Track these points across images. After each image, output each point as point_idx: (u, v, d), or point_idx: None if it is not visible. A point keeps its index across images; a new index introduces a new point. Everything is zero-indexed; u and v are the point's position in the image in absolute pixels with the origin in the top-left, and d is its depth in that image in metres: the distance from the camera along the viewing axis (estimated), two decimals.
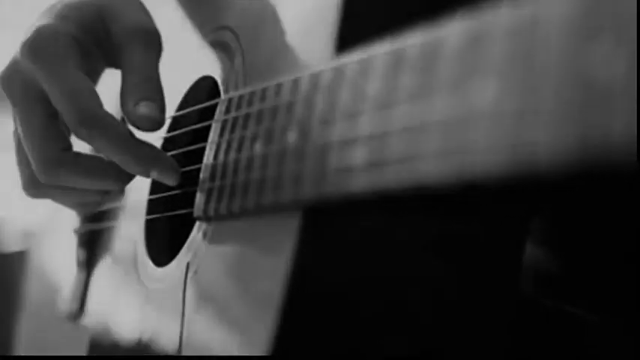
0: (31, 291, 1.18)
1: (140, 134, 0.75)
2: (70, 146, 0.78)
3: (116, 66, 0.80)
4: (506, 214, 0.63)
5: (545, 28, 0.44)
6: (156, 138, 0.83)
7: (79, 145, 0.78)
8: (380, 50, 0.55)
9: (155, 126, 0.74)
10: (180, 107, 0.86)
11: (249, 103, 0.68)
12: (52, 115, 0.76)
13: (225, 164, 0.69)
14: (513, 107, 0.44)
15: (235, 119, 0.70)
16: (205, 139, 0.74)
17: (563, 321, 0.66)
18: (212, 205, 0.70)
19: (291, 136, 0.61)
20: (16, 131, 0.80)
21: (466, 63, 0.48)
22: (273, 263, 0.61)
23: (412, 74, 0.51)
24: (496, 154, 0.45)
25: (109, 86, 0.83)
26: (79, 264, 1.00)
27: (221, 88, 0.77)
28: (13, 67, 0.77)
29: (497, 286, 0.63)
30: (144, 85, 0.75)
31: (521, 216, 0.64)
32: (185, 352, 0.71)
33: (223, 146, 0.70)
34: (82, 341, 0.94)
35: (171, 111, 0.86)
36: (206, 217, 0.72)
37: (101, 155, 0.77)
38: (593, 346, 0.66)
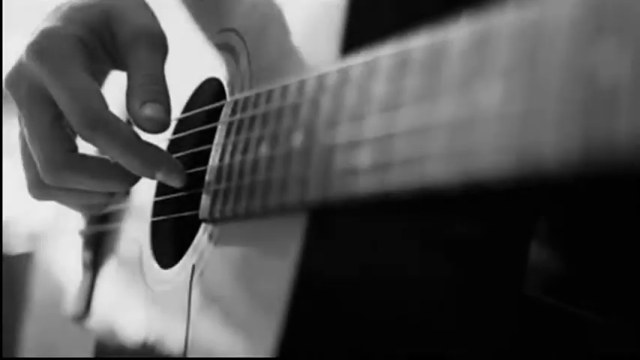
0: (37, 292, 1.18)
1: (146, 136, 0.75)
2: (75, 148, 0.78)
3: (122, 68, 0.80)
4: (511, 215, 0.63)
5: (550, 30, 0.44)
6: (161, 140, 0.84)
7: (85, 147, 0.78)
8: (385, 52, 0.55)
9: (161, 128, 0.74)
10: (186, 109, 0.86)
11: (255, 105, 0.68)
12: (57, 117, 0.77)
13: (230, 166, 0.69)
14: (519, 109, 0.44)
15: (241, 121, 0.70)
16: (211, 141, 0.74)
17: (568, 322, 0.66)
18: (218, 207, 0.70)
19: (297, 138, 0.61)
20: (21, 133, 0.80)
21: (471, 65, 0.48)
22: (279, 265, 0.61)
23: (417, 76, 0.51)
24: (501, 155, 0.45)
25: (115, 88, 0.83)
26: (85, 266, 1.00)
27: (227, 90, 0.77)
28: (19, 69, 0.78)
29: (503, 287, 0.63)
30: (149, 87, 0.75)
31: (527, 217, 0.64)
32: (190, 354, 0.71)
33: (229, 148, 0.70)
34: (88, 343, 0.94)
35: (176, 113, 0.86)
36: (212, 219, 0.72)
37: (107, 157, 0.77)
38: (597, 347, 0.66)
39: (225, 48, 0.80)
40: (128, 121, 0.78)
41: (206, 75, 0.84)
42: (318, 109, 0.59)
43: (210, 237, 0.72)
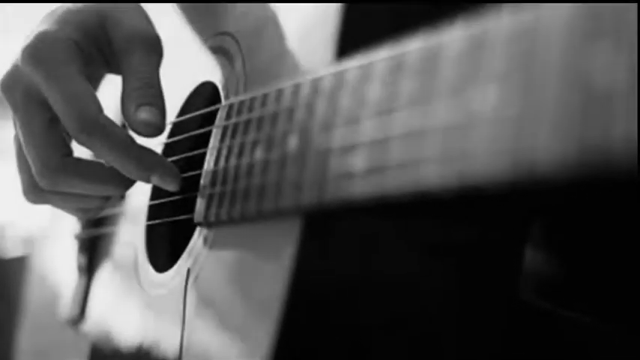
0: (32, 296, 1.18)
1: (141, 140, 0.75)
2: (70, 152, 0.78)
3: (117, 71, 0.80)
4: (506, 219, 0.63)
5: (546, 34, 0.44)
6: (156, 144, 0.83)
7: (80, 151, 0.78)
8: (380, 55, 0.55)
9: (156, 131, 0.74)
10: (181, 113, 0.86)
11: (250, 109, 0.68)
12: (52, 121, 0.76)
13: (225, 170, 0.69)
14: (514, 113, 0.44)
15: (236, 125, 0.70)
16: (206, 145, 0.74)
17: (562, 325, 0.66)
18: (213, 210, 0.70)
19: (292, 142, 0.61)
20: (16, 137, 0.80)
21: (467, 68, 0.48)
22: (274, 269, 0.61)
23: (413, 80, 0.51)
24: (496, 159, 0.45)
25: (110, 92, 0.83)
26: (80, 269, 1.00)
27: (222, 93, 0.77)
28: (14, 73, 0.77)
29: (497, 291, 0.63)
30: (144, 91, 0.75)
31: (521, 221, 0.64)
32: (186, 358, 0.71)
33: (224, 152, 0.70)
34: (83, 347, 0.94)
35: (171, 117, 0.86)
36: (207, 223, 0.72)
37: (102, 161, 0.77)
38: (592, 351, 0.66)
39: (220, 51, 0.80)
40: (123, 125, 0.78)
41: (201, 79, 0.84)
42: (313, 113, 0.59)
43: (205, 241, 0.72)
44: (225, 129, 0.71)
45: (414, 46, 0.52)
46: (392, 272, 0.61)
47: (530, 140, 0.43)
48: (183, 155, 0.82)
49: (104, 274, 0.96)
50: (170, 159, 0.79)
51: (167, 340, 0.74)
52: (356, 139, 0.55)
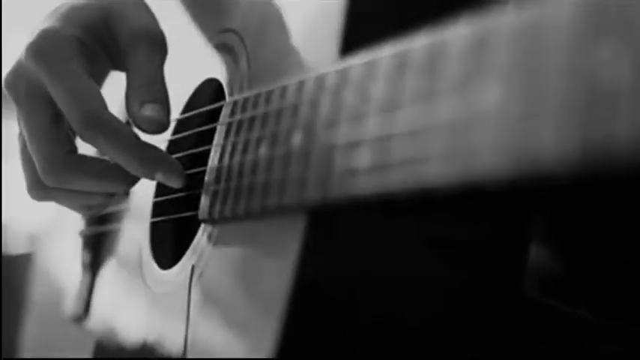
0: (36, 293, 1.18)
1: (145, 137, 0.75)
2: (74, 148, 0.78)
3: (121, 68, 0.80)
4: (510, 216, 0.63)
5: (550, 31, 0.44)
6: (161, 140, 0.83)
7: (84, 148, 0.78)
8: (385, 52, 0.55)
9: (160, 128, 0.74)
10: (186, 110, 0.86)
11: (255, 106, 0.68)
12: (56, 117, 0.76)
13: (230, 167, 0.69)
14: (518, 110, 0.44)
15: (240, 122, 0.70)
16: (210, 142, 0.74)
17: (567, 322, 0.66)
18: (217, 207, 0.70)
19: (296, 139, 0.61)
20: (20, 134, 0.80)
21: (471, 65, 0.48)
22: (278, 266, 0.61)
23: (417, 77, 0.51)
24: (500, 156, 0.45)
25: (115, 88, 0.83)
26: (84, 266, 1.00)
27: (226, 90, 0.77)
28: (18, 70, 0.77)
29: (502, 288, 0.63)
30: (149, 88, 0.75)
31: (526, 218, 0.64)
32: (190, 355, 0.71)
33: (228, 149, 0.70)
34: (87, 344, 0.94)
35: (176, 113, 0.86)
36: (211, 220, 0.72)
37: (106, 158, 0.77)
38: (595, 348, 0.66)
39: (224, 48, 0.80)
40: (127, 122, 0.78)
41: (205, 75, 0.84)
42: (317, 110, 0.59)
43: (210, 238, 0.72)
44: (229, 126, 0.71)
45: (418, 43, 0.52)
46: (396, 269, 0.61)
47: (534, 137, 0.43)
48: (187, 152, 0.82)
49: (108, 271, 0.96)
50: (174, 156, 0.79)
51: (171, 336, 0.75)
52: (360, 136, 0.55)
